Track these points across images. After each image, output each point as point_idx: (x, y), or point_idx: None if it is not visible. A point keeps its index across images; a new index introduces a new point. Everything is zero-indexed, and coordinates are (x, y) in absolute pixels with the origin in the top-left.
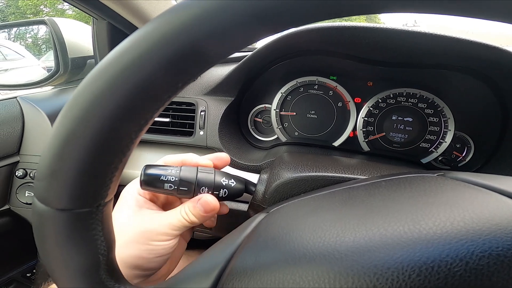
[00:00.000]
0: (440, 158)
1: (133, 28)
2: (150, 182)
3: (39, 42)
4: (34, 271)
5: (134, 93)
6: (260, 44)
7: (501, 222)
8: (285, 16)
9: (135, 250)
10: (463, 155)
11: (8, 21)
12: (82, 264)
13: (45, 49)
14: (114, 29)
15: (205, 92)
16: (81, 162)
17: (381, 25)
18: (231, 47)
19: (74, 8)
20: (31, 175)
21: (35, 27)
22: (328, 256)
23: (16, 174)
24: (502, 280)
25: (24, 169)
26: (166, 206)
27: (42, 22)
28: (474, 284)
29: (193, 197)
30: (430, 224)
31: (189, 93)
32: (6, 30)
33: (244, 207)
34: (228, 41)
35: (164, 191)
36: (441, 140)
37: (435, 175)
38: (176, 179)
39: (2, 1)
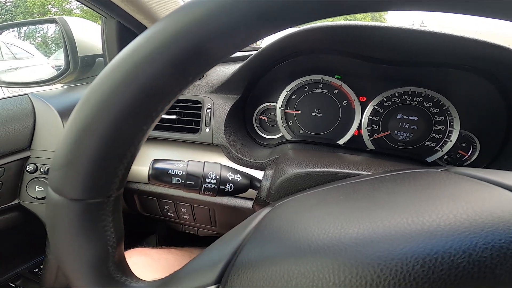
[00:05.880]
0: (445, 157)
1: (141, 27)
2: (158, 176)
3: (48, 41)
4: (41, 266)
5: (146, 88)
6: (265, 43)
7: (503, 215)
8: (287, 15)
9: None
10: (469, 154)
11: (16, 20)
12: (91, 255)
13: (54, 48)
14: (123, 28)
15: (211, 90)
16: (95, 153)
17: (386, 24)
18: (233, 46)
19: (82, 7)
20: (41, 170)
21: (44, 26)
22: (332, 248)
23: (27, 169)
24: (505, 273)
25: (34, 164)
26: None
27: (52, 21)
28: (478, 276)
29: (199, 190)
30: (434, 217)
31: (195, 91)
32: (16, 29)
33: (249, 203)
34: (230, 40)
35: (171, 185)
36: (447, 139)
37: (439, 170)
38: (184, 173)
39: (11, 0)
